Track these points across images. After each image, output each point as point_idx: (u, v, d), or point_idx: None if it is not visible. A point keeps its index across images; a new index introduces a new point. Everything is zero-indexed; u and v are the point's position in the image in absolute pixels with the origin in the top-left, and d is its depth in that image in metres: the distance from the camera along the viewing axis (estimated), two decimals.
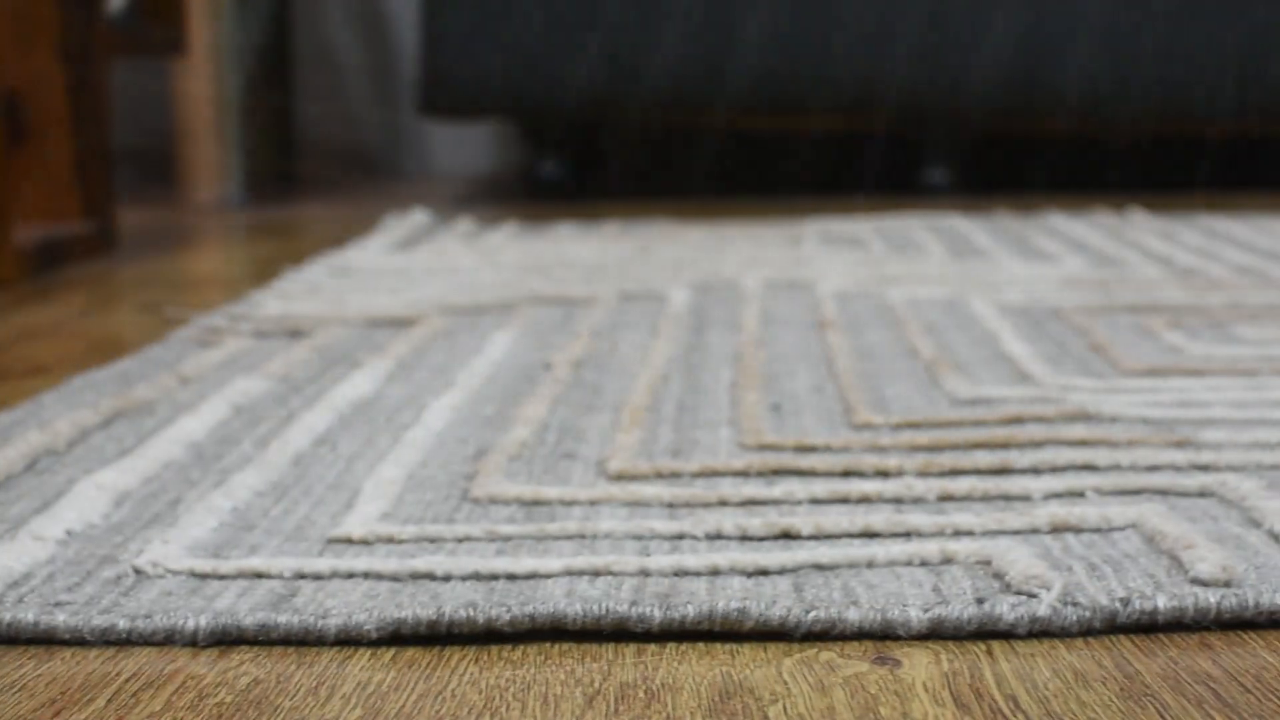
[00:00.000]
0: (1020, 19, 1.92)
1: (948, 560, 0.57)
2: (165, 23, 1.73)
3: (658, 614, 0.53)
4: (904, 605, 0.53)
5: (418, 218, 1.63)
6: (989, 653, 0.52)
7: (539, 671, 0.51)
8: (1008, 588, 0.54)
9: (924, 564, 0.57)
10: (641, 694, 0.49)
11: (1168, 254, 1.36)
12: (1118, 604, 0.52)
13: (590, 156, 2.36)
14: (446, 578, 0.58)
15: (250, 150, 2.12)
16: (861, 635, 0.53)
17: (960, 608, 0.52)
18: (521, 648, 0.53)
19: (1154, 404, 0.80)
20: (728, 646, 0.53)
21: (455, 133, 2.45)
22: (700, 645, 0.53)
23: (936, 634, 0.52)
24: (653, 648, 0.53)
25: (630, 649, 0.53)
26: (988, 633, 0.53)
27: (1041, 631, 0.52)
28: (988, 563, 0.56)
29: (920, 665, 0.51)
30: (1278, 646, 0.51)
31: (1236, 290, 1.16)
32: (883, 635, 0.53)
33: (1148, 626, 0.53)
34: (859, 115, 1.97)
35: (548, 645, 0.53)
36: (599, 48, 1.89)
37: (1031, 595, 0.53)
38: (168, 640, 0.53)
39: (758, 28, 1.90)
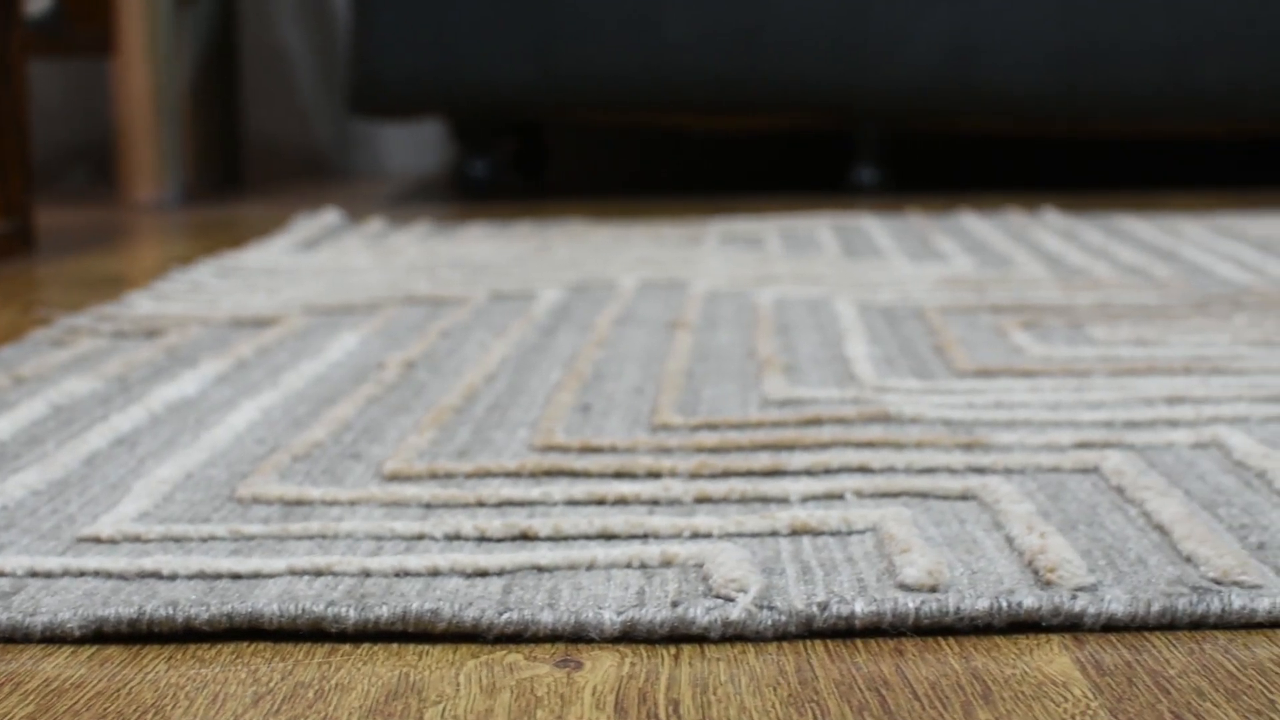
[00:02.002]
0: (949, 18, 1.91)
1: (667, 563, 0.57)
2: (92, 23, 1.73)
3: (352, 614, 0.53)
4: (599, 608, 0.52)
5: (328, 218, 1.63)
6: (676, 656, 0.51)
7: (223, 670, 0.51)
8: (709, 591, 0.53)
9: (643, 566, 0.57)
10: (311, 694, 0.49)
11: (1061, 253, 1.35)
12: (815, 608, 0.52)
13: (535, 156, 2.36)
14: (173, 577, 0.57)
15: (194, 149, 2.12)
16: (555, 638, 0.52)
17: (654, 611, 0.52)
18: (219, 647, 0.53)
19: (966, 405, 0.79)
20: (420, 648, 0.52)
21: (405, 132, 2.45)
22: (394, 646, 0.52)
23: (629, 637, 0.52)
24: (346, 648, 0.53)
25: (324, 649, 0.53)
26: (681, 636, 0.52)
27: (735, 635, 0.52)
28: (701, 566, 0.56)
29: (601, 669, 0.50)
30: (971, 652, 0.50)
31: (1111, 290, 1.15)
32: (575, 638, 0.52)
33: (845, 632, 0.52)
34: (788, 115, 1.96)
35: (245, 645, 0.53)
36: (528, 48, 1.88)
37: (729, 599, 0.52)
38: None
39: (686, 27, 1.89)
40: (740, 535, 0.60)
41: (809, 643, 0.52)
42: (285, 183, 2.40)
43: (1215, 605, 0.52)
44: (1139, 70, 1.91)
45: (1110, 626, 0.52)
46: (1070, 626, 0.52)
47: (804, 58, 1.89)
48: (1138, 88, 1.91)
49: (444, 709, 0.47)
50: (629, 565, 0.57)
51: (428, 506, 0.65)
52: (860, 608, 0.52)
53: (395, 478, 0.69)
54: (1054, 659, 0.50)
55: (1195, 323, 1.02)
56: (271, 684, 0.50)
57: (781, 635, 0.52)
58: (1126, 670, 0.49)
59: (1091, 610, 0.52)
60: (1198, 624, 0.52)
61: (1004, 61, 1.90)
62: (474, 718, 0.47)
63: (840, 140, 2.12)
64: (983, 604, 0.52)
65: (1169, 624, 0.52)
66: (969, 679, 0.48)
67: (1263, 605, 0.52)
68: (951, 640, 0.51)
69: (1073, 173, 2.38)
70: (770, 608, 0.52)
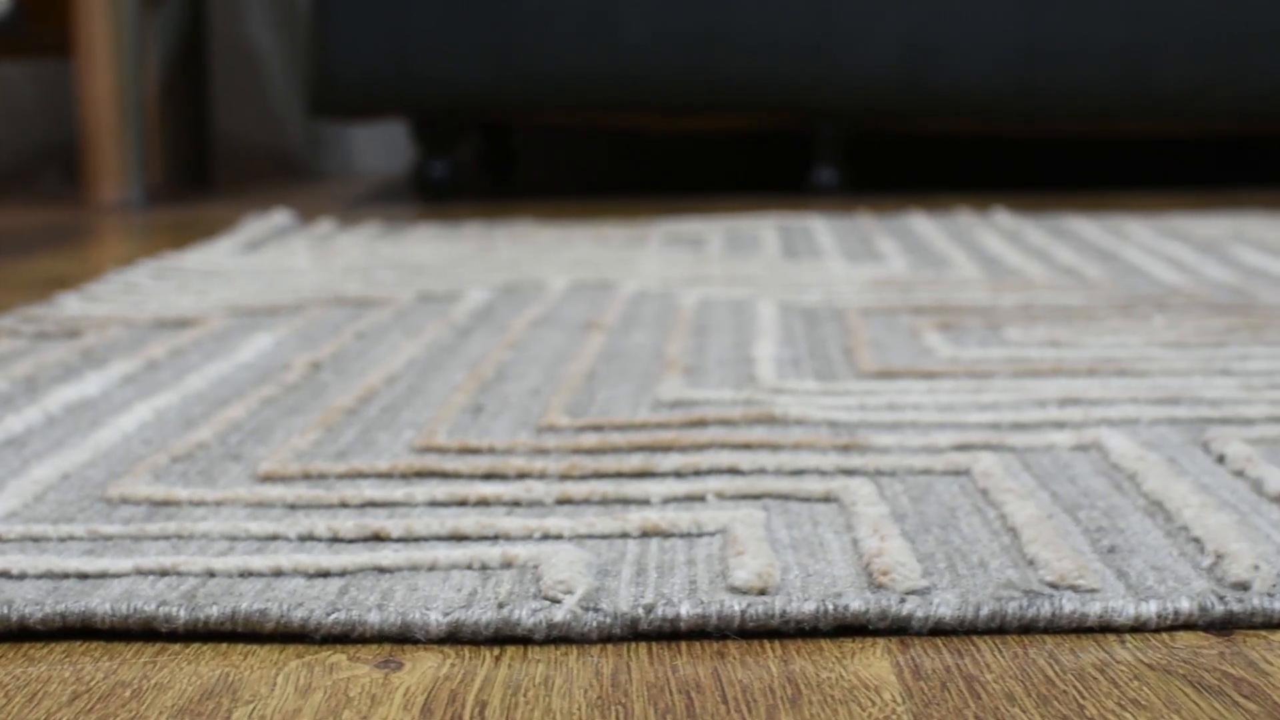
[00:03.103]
0: (907, 19, 1.90)
1: (507, 565, 0.56)
2: (51, 24, 1.73)
3: (183, 614, 0.53)
4: (426, 609, 0.52)
5: (277, 219, 1.63)
6: (499, 658, 0.51)
7: (49, 669, 0.51)
8: (539, 593, 0.53)
9: (483, 568, 0.56)
10: (128, 693, 0.49)
11: (1000, 255, 1.35)
12: (640, 610, 0.52)
13: (503, 156, 2.36)
14: (21, 576, 0.57)
15: (162, 150, 2.12)
16: (382, 639, 0.52)
17: (480, 612, 0.52)
18: (51, 646, 0.53)
19: (858, 407, 0.79)
20: (248, 648, 0.52)
21: (375, 133, 2.45)
22: (222, 646, 0.52)
23: (455, 638, 0.52)
24: (176, 647, 0.53)
25: (153, 648, 0.53)
26: (506, 638, 0.52)
27: (561, 637, 0.52)
28: (538, 567, 0.56)
29: (419, 670, 0.50)
30: (793, 656, 0.50)
31: (1039, 292, 1.15)
32: (402, 639, 0.52)
33: (670, 634, 0.52)
34: (746, 116, 1.96)
35: (77, 644, 0.53)
36: (487, 49, 1.88)
37: (555, 601, 0.52)
38: None
39: (645, 28, 1.89)
40: (590, 537, 0.60)
41: (633, 645, 0.51)
42: (254, 183, 2.41)
43: (1045, 609, 0.52)
44: (1097, 71, 1.91)
45: (939, 630, 0.52)
46: (898, 630, 0.52)
47: (762, 59, 1.89)
48: (1096, 88, 1.91)
49: (254, 709, 0.47)
50: (469, 566, 0.57)
51: (291, 507, 0.65)
52: (686, 610, 0.51)
53: (268, 479, 0.69)
54: (874, 663, 0.50)
55: (1113, 324, 1.01)
56: (93, 683, 0.50)
57: (606, 637, 0.51)
58: (943, 675, 0.49)
59: (919, 614, 0.52)
60: (1027, 628, 0.52)
61: (963, 62, 1.90)
62: (280, 717, 0.47)
63: (805, 141, 2.12)
64: (809, 607, 0.51)
65: (998, 628, 0.52)
66: (783, 682, 0.48)
67: (1094, 610, 0.52)
68: (777, 643, 0.51)
69: (1038, 173, 2.37)
70: (596, 610, 0.52)
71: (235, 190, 2.31)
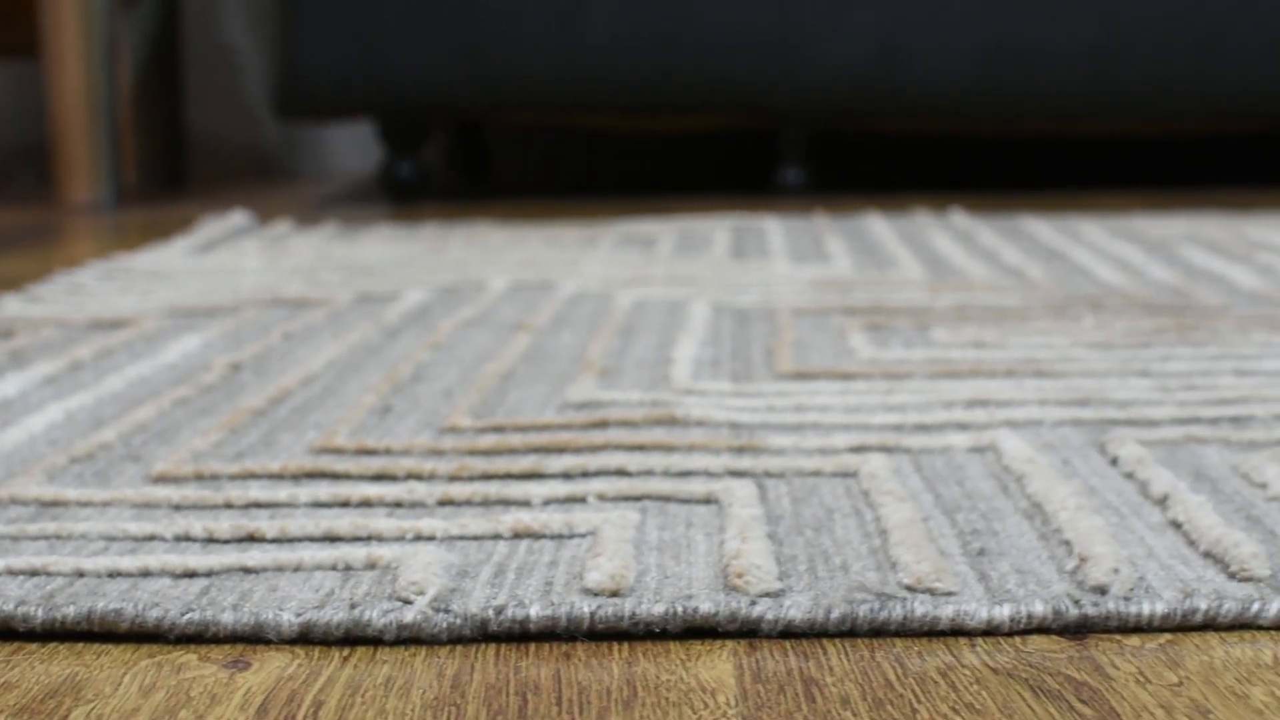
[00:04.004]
0: (873, 19, 1.90)
1: (371, 566, 0.57)
2: (14, 25, 1.74)
3: (40, 614, 0.53)
4: (279, 609, 0.52)
5: (235, 219, 1.63)
6: (347, 659, 0.51)
7: None
8: (393, 594, 0.53)
9: (347, 569, 0.57)
10: None
11: (948, 255, 1.35)
12: (491, 612, 0.52)
13: (477, 157, 2.36)
14: None
15: (137, 150, 2.13)
16: (235, 639, 0.52)
17: (332, 613, 0.52)
18: None
19: (765, 409, 0.79)
20: (103, 647, 0.53)
21: (351, 132, 2.45)
22: (79, 645, 0.53)
23: (306, 638, 0.52)
24: (32, 646, 0.53)
25: (10, 647, 0.53)
26: (358, 638, 0.52)
27: (411, 638, 0.52)
28: (397, 568, 0.56)
29: (266, 670, 0.50)
30: (638, 658, 0.50)
31: (977, 292, 1.14)
32: (255, 639, 0.52)
33: (520, 635, 0.52)
34: (712, 116, 1.96)
35: None
36: (453, 49, 1.89)
37: (407, 602, 0.52)
38: None
39: (610, 29, 1.89)
40: (462, 538, 0.60)
41: (482, 646, 0.52)
42: (229, 183, 2.41)
43: (897, 613, 0.52)
44: (1065, 71, 1.91)
45: (789, 633, 0.52)
46: (748, 633, 0.52)
47: (727, 59, 1.89)
48: (1064, 88, 1.91)
49: (93, 708, 0.48)
50: (334, 567, 0.57)
51: (176, 508, 0.65)
52: (535, 612, 0.52)
53: (161, 480, 0.69)
54: (717, 665, 0.50)
55: (1043, 325, 1.01)
56: None
57: (457, 638, 0.52)
58: (784, 678, 0.49)
59: (769, 616, 0.52)
60: (878, 631, 0.52)
61: (929, 62, 1.90)
62: (118, 716, 0.47)
63: (759, 141, 2.12)
64: (659, 609, 0.52)
65: (848, 631, 0.52)
66: (621, 684, 0.48)
67: (946, 613, 0.52)
68: (625, 646, 0.51)
69: (1010, 174, 2.37)
70: (446, 611, 0.52)
71: (209, 191, 2.31)
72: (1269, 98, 1.93)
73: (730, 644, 0.52)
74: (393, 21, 1.88)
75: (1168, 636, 0.53)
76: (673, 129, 2.18)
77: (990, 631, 0.52)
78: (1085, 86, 1.90)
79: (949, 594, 0.53)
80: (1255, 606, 0.53)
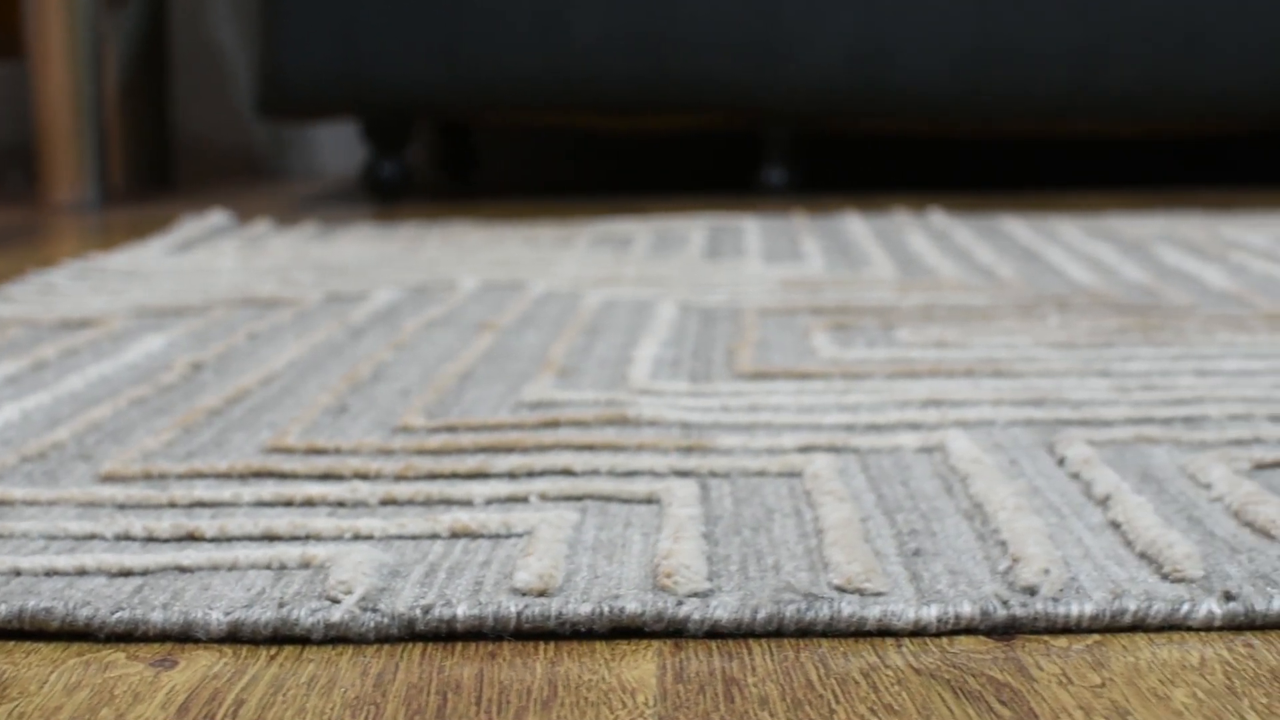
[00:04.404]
0: (857, 19, 1.90)
1: (305, 565, 0.57)
2: (10, 25, 1.74)
3: None
4: (209, 608, 0.52)
5: (214, 219, 1.64)
6: (274, 658, 0.51)
7: None
8: (323, 593, 0.54)
9: (281, 568, 0.57)
10: None
11: (921, 254, 1.35)
12: (418, 611, 0.52)
13: (463, 156, 2.36)
14: None
15: (123, 150, 2.13)
16: (165, 637, 0.52)
17: (260, 612, 0.52)
18: None
19: (719, 409, 0.79)
20: (34, 645, 0.53)
21: (340, 132, 2.45)
22: (9, 644, 0.53)
23: (235, 637, 0.52)
24: None
25: None
26: (285, 637, 0.52)
27: (339, 637, 0.52)
28: (328, 567, 0.56)
29: (192, 669, 0.50)
30: (563, 658, 0.50)
31: (946, 292, 1.15)
32: (184, 638, 0.52)
33: (447, 635, 0.52)
34: (696, 115, 1.97)
35: None
36: (436, 48, 1.89)
37: (336, 600, 0.53)
38: None
39: (594, 28, 1.89)
40: (400, 538, 0.60)
41: (409, 646, 0.52)
42: (217, 183, 2.41)
43: (824, 613, 0.52)
44: (1049, 71, 1.91)
45: (716, 633, 0.52)
46: (675, 633, 0.52)
47: (711, 58, 1.90)
48: (1046, 88, 1.91)
49: (16, 706, 0.48)
50: (268, 566, 0.57)
51: (120, 507, 0.65)
52: (462, 611, 0.52)
53: (109, 479, 0.69)
54: (640, 665, 0.50)
55: (1007, 325, 1.01)
56: None
57: (384, 637, 0.52)
58: (706, 678, 0.49)
59: (696, 616, 0.52)
60: (805, 632, 0.52)
61: (913, 62, 1.90)
62: (40, 715, 0.47)
63: (744, 141, 2.12)
64: (585, 609, 0.52)
65: (775, 631, 0.52)
66: (543, 684, 0.48)
67: (873, 613, 0.52)
68: (551, 645, 0.52)
69: (1003, 173, 2.37)
70: (374, 610, 0.52)
71: (196, 190, 2.31)
72: (1251, 97, 1.93)
73: (656, 644, 0.52)
74: (375, 21, 1.88)
75: (1096, 637, 0.53)
76: (656, 129, 2.18)
77: (918, 632, 0.52)
78: (1068, 87, 1.91)
79: (878, 594, 0.54)
80: (1185, 608, 0.53)
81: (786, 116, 1.94)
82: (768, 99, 1.91)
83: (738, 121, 1.97)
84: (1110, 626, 0.53)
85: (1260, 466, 0.70)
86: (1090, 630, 0.53)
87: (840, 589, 0.54)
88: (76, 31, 1.93)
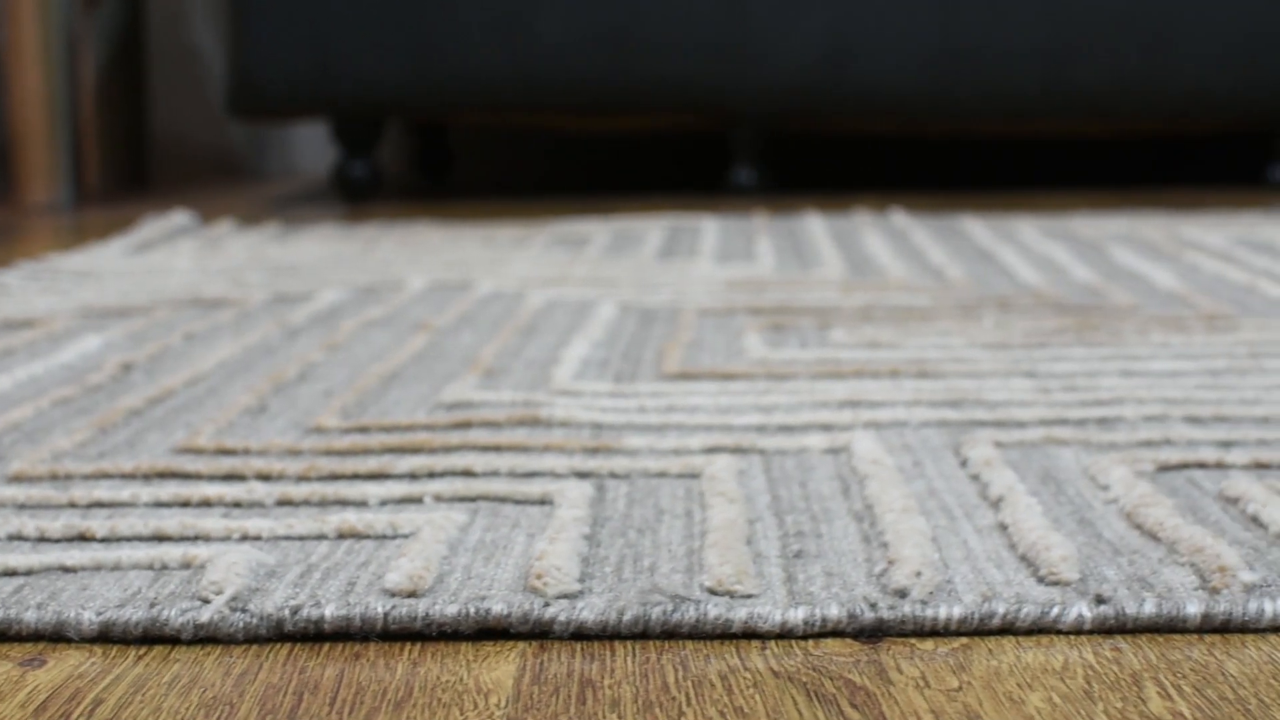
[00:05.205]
0: (825, 19, 1.91)
1: (186, 565, 0.57)
2: None
3: None
4: (82, 608, 0.53)
5: (176, 219, 1.64)
6: (141, 657, 0.51)
7: None
8: (194, 594, 0.54)
9: (163, 568, 0.57)
10: None
11: (874, 254, 1.35)
12: (286, 612, 0.52)
13: (439, 156, 2.37)
14: None
15: (100, 150, 2.13)
16: (38, 637, 0.53)
17: (131, 612, 0.52)
18: None
19: (635, 409, 0.80)
20: None
21: (318, 132, 2.46)
22: None
23: (106, 637, 0.52)
24: None
25: None
26: (156, 637, 0.52)
27: (208, 638, 0.52)
28: (205, 567, 0.56)
29: (60, 668, 0.51)
30: (426, 659, 0.51)
31: (889, 292, 1.15)
32: (57, 637, 0.53)
33: (315, 635, 0.52)
34: (663, 116, 1.97)
35: None
36: (404, 48, 1.89)
37: (206, 601, 0.53)
38: None
39: (559, 27, 1.89)
40: (288, 538, 0.60)
41: (275, 646, 0.52)
42: (193, 184, 2.42)
43: (690, 615, 0.52)
44: (1017, 71, 1.91)
45: (582, 634, 0.52)
46: (541, 634, 0.52)
47: (678, 58, 1.90)
48: (1016, 88, 1.91)
49: None
50: (149, 567, 0.57)
51: (21, 507, 0.66)
52: (330, 612, 0.52)
53: (16, 479, 0.70)
54: (500, 667, 0.50)
55: (944, 325, 1.01)
56: None
57: (253, 638, 0.52)
58: (562, 680, 0.49)
59: (562, 618, 0.52)
60: (671, 633, 0.52)
61: (881, 62, 1.90)
62: None
63: (713, 141, 2.12)
64: (451, 610, 0.52)
65: (641, 633, 0.52)
66: (399, 685, 0.49)
67: (739, 616, 0.52)
68: (417, 646, 0.52)
69: (967, 172, 2.37)
70: (244, 610, 0.52)
71: (172, 191, 2.32)
72: (1219, 97, 1.93)
73: (521, 645, 0.52)
74: (342, 21, 1.89)
75: (964, 641, 0.53)
76: (624, 130, 2.19)
77: (784, 635, 0.53)
78: (1036, 87, 1.91)
79: (748, 596, 0.54)
80: (1055, 611, 0.53)
81: (755, 117, 1.94)
82: (736, 99, 1.91)
83: (706, 122, 1.97)
84: (979, 630, 0.53)
85: (1164, 468, 0.70)
86: (959, 633, 0.53)
87: (711, 591, 0.54)
88: (51, 32, 1.94)
